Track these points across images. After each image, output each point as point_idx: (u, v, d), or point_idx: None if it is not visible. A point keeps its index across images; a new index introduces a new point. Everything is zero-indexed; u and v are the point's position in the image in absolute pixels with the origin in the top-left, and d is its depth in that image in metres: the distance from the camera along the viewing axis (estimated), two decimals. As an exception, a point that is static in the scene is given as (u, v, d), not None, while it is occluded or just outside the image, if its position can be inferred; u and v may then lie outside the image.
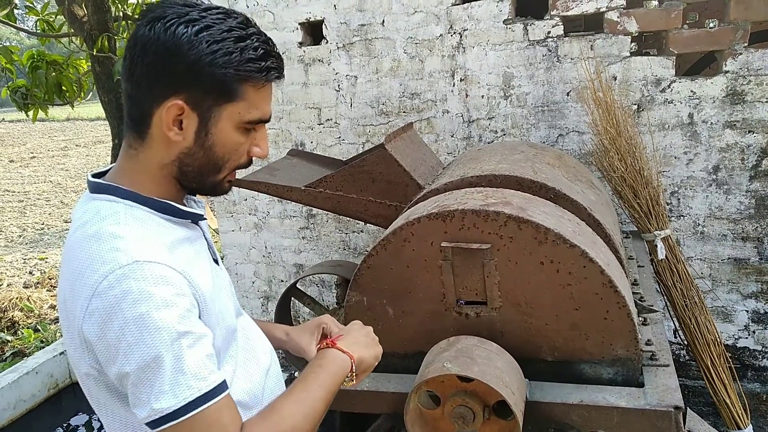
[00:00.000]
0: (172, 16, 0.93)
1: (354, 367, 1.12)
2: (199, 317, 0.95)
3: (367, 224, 3.07)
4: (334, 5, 3.16)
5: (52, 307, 5.20)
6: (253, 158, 1.07)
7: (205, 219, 1.11)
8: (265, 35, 1.00)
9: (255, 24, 1.00)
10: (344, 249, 3.52)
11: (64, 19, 4.74)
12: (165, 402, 0.86)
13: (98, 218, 0.94)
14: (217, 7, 0.97)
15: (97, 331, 0.87)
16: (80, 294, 0.89)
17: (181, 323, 0.89)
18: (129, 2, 5.07)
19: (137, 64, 0.94)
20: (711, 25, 2.65)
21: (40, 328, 4.73)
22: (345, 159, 2.83)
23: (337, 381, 1.09)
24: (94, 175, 1.03)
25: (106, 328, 0.87)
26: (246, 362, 1.13)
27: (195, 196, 1.13)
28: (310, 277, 3.53)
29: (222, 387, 0.92)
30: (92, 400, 0.99)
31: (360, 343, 1.17)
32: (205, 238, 1.11)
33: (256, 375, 1.14)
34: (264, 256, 3.72)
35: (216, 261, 1.13)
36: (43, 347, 4.01)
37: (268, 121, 1.04)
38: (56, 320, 4.95)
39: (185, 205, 1.07)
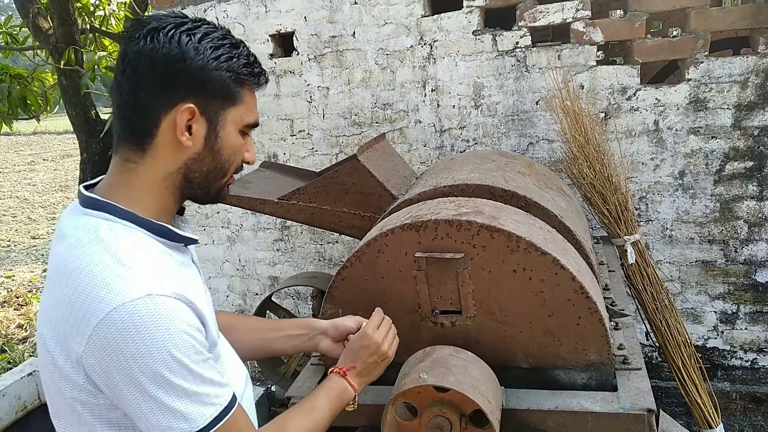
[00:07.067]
0: (171, 26, 0.95)
1: (356, 398, 1.30)
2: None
3: (342, 235, 3.06)
4: (305, 17, 3.16)
5: (20, 326, 5.06)
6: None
7: (197, 242, 1.09)
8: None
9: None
10: (319, 260, 3.50)
11: (29, 32, 4.64)
12: (187, 424, 0.90)
13: (97, 239, 0.92)
14: (202, 19, 1.01)
15: (105, 360, 0.86)
16: (83, 320, 0.86)
17: (196, 353, 0.92)
18: (96, 15, 5.00)
19: (143, 74, 0.94)
20: (674, 33, 2.72)
21: (6, 348, 4.59)
22: (318, 170, 2.82)
23: (340, 407, 1.27)
24: (86, 187, 1.01)
25: (117, 359, 0.86)
26: None
27: (183, 214, 1.12)
28: (286, 289, 3.49)
29: (234, 399, 0.98)
30: (72, 425, 0.96)
31: (368, 369, 1.37)
32: (193, 261, 1.10)
33: None
34: (238, 270, 3.68)
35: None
36: (11, 368, 3.88)
37: (258, 125, 1.08)
38: (24, 340, 4.80)
39: (178, 227, 1.06)
